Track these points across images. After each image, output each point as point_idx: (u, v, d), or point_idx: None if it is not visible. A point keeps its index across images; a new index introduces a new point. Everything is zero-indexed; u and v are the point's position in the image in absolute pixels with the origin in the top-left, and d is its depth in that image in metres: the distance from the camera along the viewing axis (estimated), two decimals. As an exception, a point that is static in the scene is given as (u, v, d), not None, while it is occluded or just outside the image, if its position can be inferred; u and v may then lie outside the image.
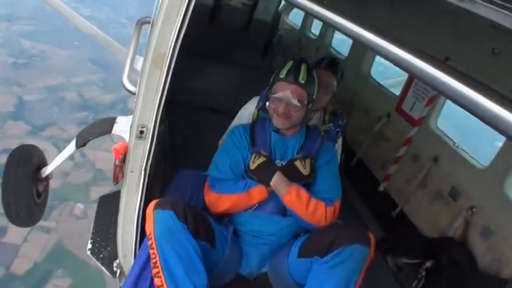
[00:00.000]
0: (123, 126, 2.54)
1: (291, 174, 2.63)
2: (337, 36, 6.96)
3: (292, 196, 2.55)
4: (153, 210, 2.33)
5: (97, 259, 2.86)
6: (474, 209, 3.44)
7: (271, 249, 2.73)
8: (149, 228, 2.32)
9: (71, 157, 6.61)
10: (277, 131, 2.77)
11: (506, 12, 1.01)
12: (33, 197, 3.03)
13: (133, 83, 2.66)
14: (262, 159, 2.63)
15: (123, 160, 2.45)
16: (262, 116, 3.06)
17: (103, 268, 2.81)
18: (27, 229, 5.51)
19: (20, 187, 2.92)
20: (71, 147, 2.81)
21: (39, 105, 8.61)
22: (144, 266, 2.39)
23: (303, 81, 2.62)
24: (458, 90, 0.86)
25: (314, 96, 2.73)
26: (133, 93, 2.47)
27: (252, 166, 2.64)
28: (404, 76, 4.89)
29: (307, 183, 2.68)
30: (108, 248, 2.91)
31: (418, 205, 4.08)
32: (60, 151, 2.96)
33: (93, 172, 7.02)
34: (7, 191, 2.91)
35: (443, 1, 1.24)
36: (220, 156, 2.81)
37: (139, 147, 2.37)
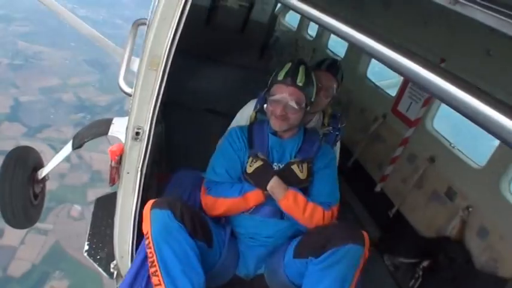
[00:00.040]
0: (119, 128, 2.54)
1: (288, 178, 2.61)
2: (334, 37, 6.96)
3: (289, 201, 2.54)
4: (150, 209, 2.33)
5: (94, 260, 2.86)
6: (470, 209, 3.44)
7: (268, 251, 2.73)
8: (146, 227, 2.32)
9: (68, 159, 6.60)
10: (275, 133, 2.75)
11: (497, 15, 1.01)
12: (29, 199, 3.03)
13: (130, 84, 2.66)
14: (259, 163, 2.61)
15: (119, 161, 2.45)
16: (260, 118, 3.04)
17: (100, 269, 2.81)
18: (24, 231, 5.50)
19: (17, 189, 2.92)
20: (68, 149, 2.81)
21: (35, 106, 8.59)
22: (141, 266, 2.40)
23: (301, 84, 2.60)
24: (452, 93, 0.87)
25: (312, 99, 2.72)
26: (130, 95, 2.47)
27: (249, 170, 2.62)
28: (401, 77, 4.90)
29: (305, 187, 2.67)
30: (105, 250, 2.91)
31: (414, 205, 4.09)
32: (56, 153, 2.96)
33: (90, 173, 7.01)
34: (3, 193, 2.90)
35: (438, 4, 1.25)
36: (217, 159, 2.81)
37: (135, 149, 2.37)
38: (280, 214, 2.64)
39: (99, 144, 6.66)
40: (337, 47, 6.68)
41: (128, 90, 2.73)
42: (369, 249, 2.41)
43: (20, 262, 5.28)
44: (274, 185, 2.55)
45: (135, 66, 2.67)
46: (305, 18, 7.77)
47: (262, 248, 2.72)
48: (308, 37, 7.72)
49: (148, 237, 2.29)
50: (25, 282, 5.03)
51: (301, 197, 2.56)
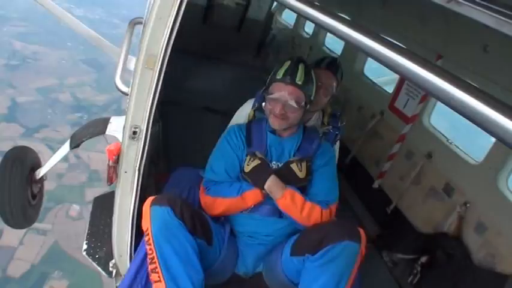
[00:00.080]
0: (116, 127, 2.54)
1: (287, 176, 2.59)
2: (331, 35, 6.95)
3: (287, 200, 2.52)
4: (150, 206, 2.33)
5: (93, 260, 2.86)
6: (468, 205, 3.45)
7: (266, 249, 2.72)
8: (146, 224, 2.32)
9: (66, 159, 6.60)
10: (273, 131, 2.72)
11: (492, 14, 1.02)
12: (28, 199, 3.03)
13: (127, 83, 2.66)
14: (257, 162, 2.58)
15: (117, 161, 2.45)
16: (258, 116, 3.02)
17: (99, 268, 2.81)
18: (23, 232, 5.51)
19: (15, 189, 2.92)
20: (65, 148, 2.81)
21: (33, 106, 8.60)
22: (140, 265, 2.40)
23: (300, 82, 2.55)
24: (448, 91, 0.87)
25: (312, 97, 2.67)
26: (126, 94, 2.47)
27: (247, 168, 2.60)
28: (397, 74, 4.91)
29: (304, 185, 2.64)
30: (104, 249, 2.91)
31: (412, 201, 4.10)
32: (54, 153, 2.96)
33: (88, 173, 7.03)
34: (2, 193, 2.90)
35: (433, 2, 1.25)
36: (216, 158, 2.78)
37: (132, 148, 2.37)
38: (279, 213, 2.61)
39: (96, 144, 6.67)
40: (334, 45, 6.69)
41: (124, 89, 2.74)
42: (366, 246, 2.40)
43: (19, 262, 5.29)
44: (271, 184, 2.53)
45: (131, 65, 2.67)
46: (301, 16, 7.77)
47: (261, 246, 2.71)
48: (305, 35, 7.72)
49: (148, 234, 2.29)
50: (24, 283, 5.05)
51: (298, 196, 2.54)
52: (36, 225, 4.95)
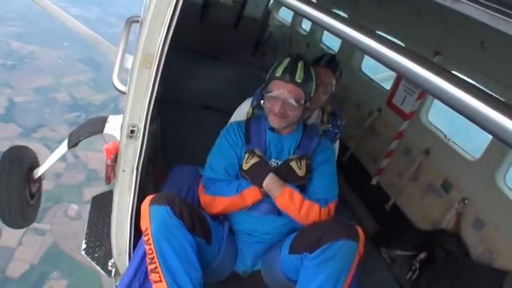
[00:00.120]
0: (114, 126, 2.54)
1: (286, 174, 2.57)
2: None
3: (285, 198, 2.51)
4: (149, 205, 2.32)
5: (92, 259, 2.86)
6: (466, 201, 3.46)
7: (265, 247, 2.72)
8: (145, 224, 2.31)
9: (64, 158, 6.59)
10: (272, 128, 2.69)
11: (489, 11, 1.02)
12: (26, 198, 3.03)
13: (124, 82, 2.66)
14: (255, 160, 2.57)
15: (115, 160, 2.45)
16: (257, 114, 3.00)
17: (98, 268, 2.81)
18: (21, 232, 5.49)
19: (13, 188, 2.92)
20: (63, 148, 2.81)
21: (30, 106, 8.56)
22: (139, 264, 2.40)
23: (299, 80, 2.52)
24: (446, 89, 0.87)
25: (311, 94, 2.66)
26: (124, 93, 2.47)
27: (245, 166, 2.59)
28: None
29: (303, 183, 2.63)
30: (103, 248, 2.91)
31: (410, 198, 4.11)
32: (52, 152, 2.96)
33: (86, 172, 7.00)
34: (0, 192, 2.90)
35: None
36: (215, 156, 2.77)
37: (130, 147, 2.37)
38: (278, 211, 2.60)
39: (94, 143, 6.66)
40: (332, 42, 6.68)
41: (121, 88, 2.74)
42: (364, 245, 2.40)
43: (18, 263, 5.27)
44: (270, 182, 2.52)
45: (128, 64, 2.66)
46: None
47: (259, 244, 2.71)
48: (302, 32, 7.71)
49: (147, 234, 2.28)
50: (24, 283, 5.03)
51: (297, 195, 2.53)
52: (34, 225, 4.94)
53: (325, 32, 7.04)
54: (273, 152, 2.71)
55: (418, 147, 4.11)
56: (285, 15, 8.79)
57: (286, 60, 2.59)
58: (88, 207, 3.37)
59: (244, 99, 3.30)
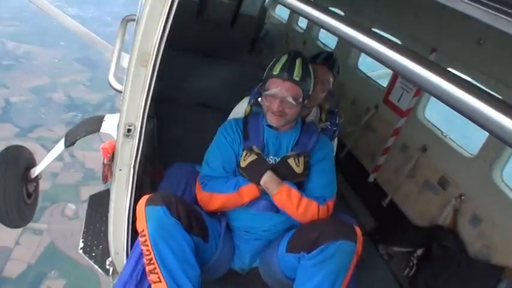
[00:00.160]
0: (111, 125, 2.54)
1: (284, 172, 2.57)
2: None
3: (283, 196, 2.51)
4: (145, 206, 2.32)
5: (89, 258, 2.86)
6: (463, 197, 3.47)
7: (263, 244, 2.72)
8: (141, 225, 2.31)
9: (60, 158, 6.57)
10: (270, 125, 2.67)
11: (483, 8, 1.02)
12: (23, 197, 3.03)
13: (120, 81, 2.65)
14: (253, 157, 2.57)
15: (112, 159, 2.44)
16: (255, 111, 2.99)
17: (96, 266, 2.80)
18: (18, 232, 5.48)
19: (10, 188, 2.91)
20: (60, 147, 2.81)
21: (26, 106, 8.53)
22: (137, 260, 2.40)
23: (297, 78, 2.50)
24: (442, 87, 0.87)
25: (310, 92, 2.65)
26: (120, 92, 2.46)
27: (243, 164, 2.58)
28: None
29: (301, 181, 2.62)
30: (100, 246, 2.91)
31: (407, 194, 4.12)
32: (48, 152, 2.95)
33: (83, 172, 6.98)
34: None
35: None
36: (212, 153, 2.77)
37: (127, 146, 2.37)
38: (276, 208, 2.60)
39: (91, 143, 6.64)
40: (328, 39, 6.68)
41: (118, 87, 2.73)
42: (363, 245, 2.40)
43: (16, 263, 5.25)
44: (267, 179, 2.52)
45: (125, 63, 2.66)
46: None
47: (257, 241, 2.71)
48: (298, 29, 7.71)
49: (144, 235, 2.28)
50: (21, 283, 5.01)
51: (295, 192, 2.53)
52: (32, 225, 4.92)
53: (322, 29, 7.06)
54: (271, 149, 2.70)
55: (415, 144, 4.12)
56: (281, 13, 8.80)
57: (284, 58, 2.57)
58: (85, 206, 3.37)
59: (240, 97, 3.30)
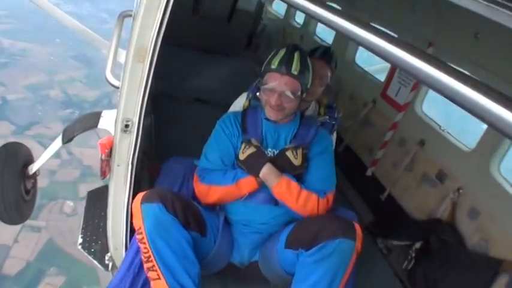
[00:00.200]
0: (108, 120, 2.53)
1: (282, 164, 2.56)
2: (321, 24, 6.94)
3: (282, 188, 2.50)
4: (141, 204, 2.31)
5: (88, 253, 2.86)
6: (461, 191, 3.48)
7: (262, 237, 2.71)
8: (138, 222, 2.30)
9: (58, 155, 6.57)
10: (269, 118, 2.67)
11: (480, 1, 1.02)
12: (21, 194, 3.03)
13: (117, 77, 2.65)
14: (252, 150, 2.55)
15: (110, 154, 2.44)
16: (253, 104, 2.98)
17: (95, 262, 2.81)
18: (17, 229, 5.48)
19: (8, 184, 2.91)
20: (57, 143, 2.80)
21: (23, 104, 8.51)
22: (134, 255, 2.40)
23: (296, 72, 2.49)
24: (439, 79, 0.87)
25: (308, 86, 2.64)
26: (117, 87, 2.46)
27: (242, 156, 2.57)
28: (389, 62, 4.91)
29: (300, 173, 2.62)
30: (99, 242, 2.91)
31: (405, 188, 4.13)
32: (46, 149, 2.95)
33: (81, 169, 6.98)
34: None
35: None
36: (210, 146, 2.76)
37: (124, 141, 2.37)
38: (275, 200, 2.59)
39: (89, 140, 6.64)
40: (325, 34, 6.68)
41: (115, 83, 2.73)
42: (362, 242, 2.38)
43: (15, 260, 5.26)
44: (266, 171, 2.51)
45: (122, 59, 2.66)
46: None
47: (256, 234, 2.70)
48: (295, 24, 7.70)
49: (141, 233, 2.27)
50: (21, 280, 5.02)
51: (294, 184, 2.52)
52: (30, 222, 4.93)
53: (319, 24, 7.06)
54: (270, 141, 2.70)
55: (413, 138, 4.12)
56: (278, 8, 8.78)
57: (282, 51, 2.56)
58: (83, 203, 3.37)
59: (238, 92, 3.30)
